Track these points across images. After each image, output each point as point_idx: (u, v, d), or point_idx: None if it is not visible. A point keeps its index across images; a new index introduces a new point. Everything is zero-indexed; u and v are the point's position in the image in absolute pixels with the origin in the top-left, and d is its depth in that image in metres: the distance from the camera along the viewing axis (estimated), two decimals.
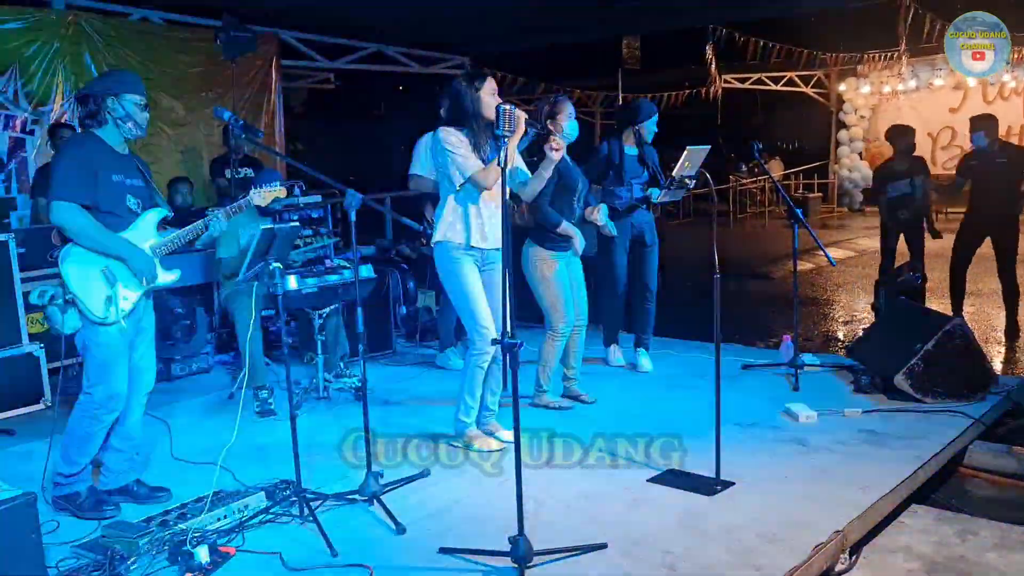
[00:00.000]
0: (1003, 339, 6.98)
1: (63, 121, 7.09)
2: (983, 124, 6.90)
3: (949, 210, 15.47)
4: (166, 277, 3.72)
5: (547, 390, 4.93)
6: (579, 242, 4.73)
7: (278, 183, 3.96)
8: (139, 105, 3.56)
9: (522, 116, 3.70)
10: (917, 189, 7.15)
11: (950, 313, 6.49)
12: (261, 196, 3.88)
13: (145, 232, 3.64)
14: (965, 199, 7.19)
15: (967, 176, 7.10)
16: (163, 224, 3.73)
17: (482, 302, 4.10)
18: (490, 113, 3.97)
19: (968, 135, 7.09)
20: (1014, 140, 16.47)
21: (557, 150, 4.06)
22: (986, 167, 6.87)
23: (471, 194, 4.05)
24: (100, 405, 3.58)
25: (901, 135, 7.37)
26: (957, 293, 7.14)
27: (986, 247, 7.01)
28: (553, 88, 18.08)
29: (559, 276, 4.73)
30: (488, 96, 4.01)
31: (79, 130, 3.68)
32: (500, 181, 3.39)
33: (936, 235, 7.36)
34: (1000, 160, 6.84)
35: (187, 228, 3.71)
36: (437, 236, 4.12)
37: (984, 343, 6.55)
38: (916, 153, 7.45)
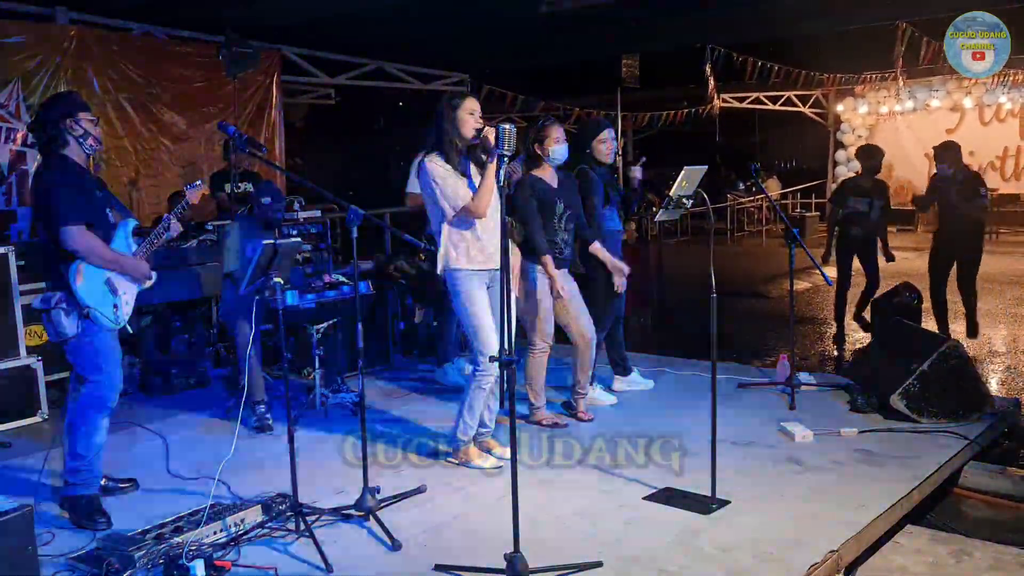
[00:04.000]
0: (998, 359, 7.01)
1: None
2: (946, 155, 7.15)
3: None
4: (148, 282, 3.99)
5: (539, 406, 4.93)
6: (559, 282, 4.67)
7: (200, 182, 4.16)
8: (92, 121, 3.77)
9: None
10: (874, 210, 7.35)
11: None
12: (194, 194, 4.06)
13: (127, 241, 3.88)
14: (933, 219, 7.42)
15: (933, 197, 7.40)
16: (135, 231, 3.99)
17: (490, 327, 4.10)
18: (466, 131, 3.99)
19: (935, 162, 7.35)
20: (1011, 162, 16.67)
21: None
22: (948, 192, 7.12)
23: (467, 220, 4.06)
24: (107, 391, 3.76)
25: (870, 156, 7.58)
26: (940, 313, 7.27)
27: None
28: (552, 106, 18.16)
29: (545, 290, 4.72)
30: (465, 115, 4.00)
31: (43, 156, 3.78)
32: (497, 201, 3.40)
33: (890, 258, 7.51)
34: (958, 184, 7.06)
35: (152, 234, 3.93)
36: (444, 264, 4.11)
37: (979, 364, 6.58)
38: (889, 180, 7.63)
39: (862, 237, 7.42)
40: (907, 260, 7.60)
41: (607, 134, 5.16)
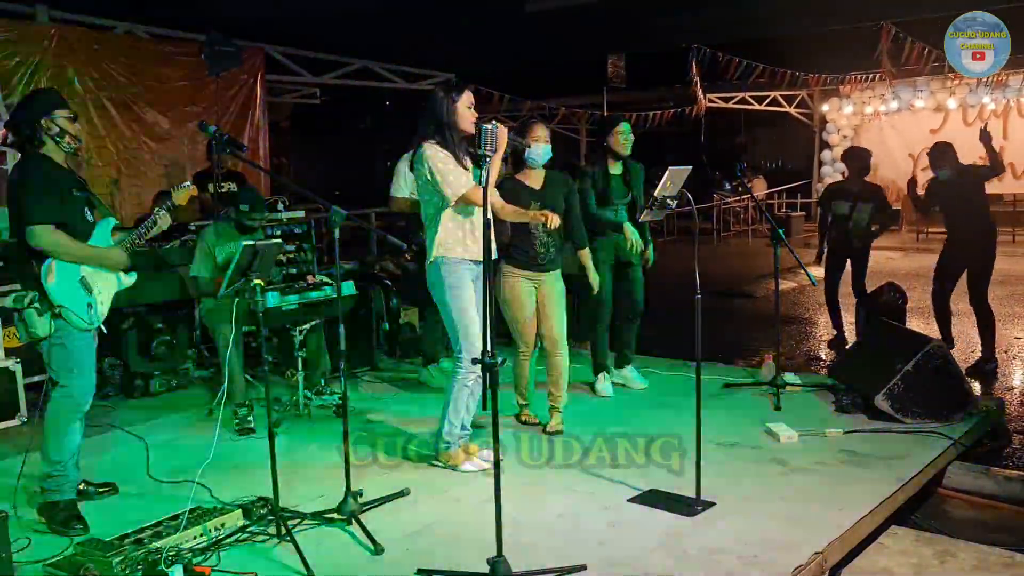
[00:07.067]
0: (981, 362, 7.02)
1: None
2: (942, 158, 6.80)
3: (930, 230, 15.65)
4: (127, 280, 3.94)
5: (524, 404, 4.93)
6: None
7: (188, 184, 4.11)
8: (69, 119, 3.71)
9: (504, 132, 3.67)
10: (859, 213, 6.99)
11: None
12: (180, 195, 4.02)
13: (105, 240, 3.82)
14: (921, 221, 7.15)
15: (934, 202, 7.05)
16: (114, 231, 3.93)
17: (476, 323, 4.06)
18: (465, 125, 3.97)
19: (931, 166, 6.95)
20: None
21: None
22: (951, 195, 6.80)
23: (465, 209, 4.03)
24: (79, 394, 3.71)
25: (854, 157, 7.34)
26: (944, 323, 6.97)
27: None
28: (539, 106, 18.16)
29: (524, 296, 4.68)
30: (464, 108, 3.98)
31: (20, 155, 3.76)
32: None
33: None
34: (961, 186, 6.76)
35: (142, 226, 3.87)
36: (436, 253, 4.05)
37: (963, 364, 6.60)
38: (874, 180, 7.37)
39: (847, 241, 7.09)
40: (892, 260, 7.53)
41: (621, 127, 5.37)
